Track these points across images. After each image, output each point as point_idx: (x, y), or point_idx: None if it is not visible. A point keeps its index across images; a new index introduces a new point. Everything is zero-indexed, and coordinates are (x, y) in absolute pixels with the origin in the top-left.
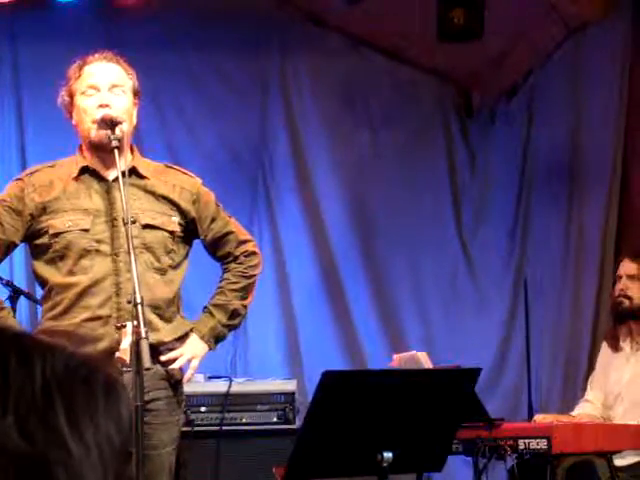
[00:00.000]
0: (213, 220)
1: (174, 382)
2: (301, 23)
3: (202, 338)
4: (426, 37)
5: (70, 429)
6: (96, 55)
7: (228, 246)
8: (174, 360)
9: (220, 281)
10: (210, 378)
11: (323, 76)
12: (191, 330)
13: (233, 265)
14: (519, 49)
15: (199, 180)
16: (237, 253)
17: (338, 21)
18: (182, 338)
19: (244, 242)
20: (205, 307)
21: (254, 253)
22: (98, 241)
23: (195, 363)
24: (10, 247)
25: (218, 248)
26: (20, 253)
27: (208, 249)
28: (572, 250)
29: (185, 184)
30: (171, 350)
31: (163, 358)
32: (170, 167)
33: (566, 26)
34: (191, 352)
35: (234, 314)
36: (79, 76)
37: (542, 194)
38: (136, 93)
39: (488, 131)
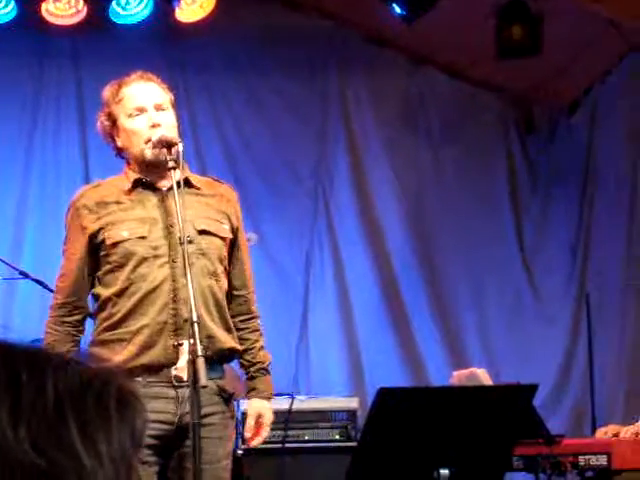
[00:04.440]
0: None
1: (227, 396)
2: (360, 42)
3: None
4: (485, 54)
5: (83, 443)
6: (132, 76)
7: (245, 280)
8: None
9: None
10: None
11: (383, 94)
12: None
13: (253, 323)
14: (579, 64)
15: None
16: (253, 306)
17: (397, 40)
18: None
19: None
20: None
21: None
22: (155, 248)
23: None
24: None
25: (236, 271)
26: None
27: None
28: (634, 265)
29: (230, 195)
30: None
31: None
32: (216, 180)
33: (626, 42)
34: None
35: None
36: (120, 99)
37: (603, 210)
38: (174, 105)
39: (549, 147)
